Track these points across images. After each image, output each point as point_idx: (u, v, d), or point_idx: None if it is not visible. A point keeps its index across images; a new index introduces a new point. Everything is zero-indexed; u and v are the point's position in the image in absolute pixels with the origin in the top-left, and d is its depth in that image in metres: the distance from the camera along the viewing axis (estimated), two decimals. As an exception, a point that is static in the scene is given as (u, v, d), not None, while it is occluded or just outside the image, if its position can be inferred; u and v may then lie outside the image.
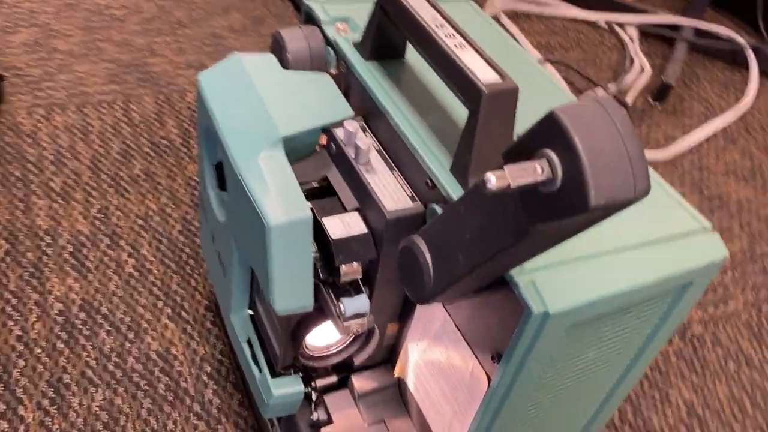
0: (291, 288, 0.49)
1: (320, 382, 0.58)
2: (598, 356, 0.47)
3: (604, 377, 0.52)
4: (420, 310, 0.52)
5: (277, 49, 0.57)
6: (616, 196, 0.28)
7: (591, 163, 0.27)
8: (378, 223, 0.48)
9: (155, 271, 0.82)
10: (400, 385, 0.57)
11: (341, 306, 0.48)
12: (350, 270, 0.48)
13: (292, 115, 0.52)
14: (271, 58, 0.57)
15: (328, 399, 0.57)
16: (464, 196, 0.37)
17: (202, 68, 1.12)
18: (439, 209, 0.44)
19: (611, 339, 0.47)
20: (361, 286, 0.50)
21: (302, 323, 0.52)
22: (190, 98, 1.06)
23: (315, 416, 0.58)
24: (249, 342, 0.59)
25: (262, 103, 0.52)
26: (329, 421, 0.56)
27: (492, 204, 0.34)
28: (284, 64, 0.56)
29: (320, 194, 0.51)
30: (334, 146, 0.52)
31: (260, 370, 0.57)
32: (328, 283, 0.50)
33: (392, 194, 0.48)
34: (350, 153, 0.50)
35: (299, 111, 0.52)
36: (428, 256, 0.40)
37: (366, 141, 0.49)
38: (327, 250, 0.48)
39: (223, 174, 0.57)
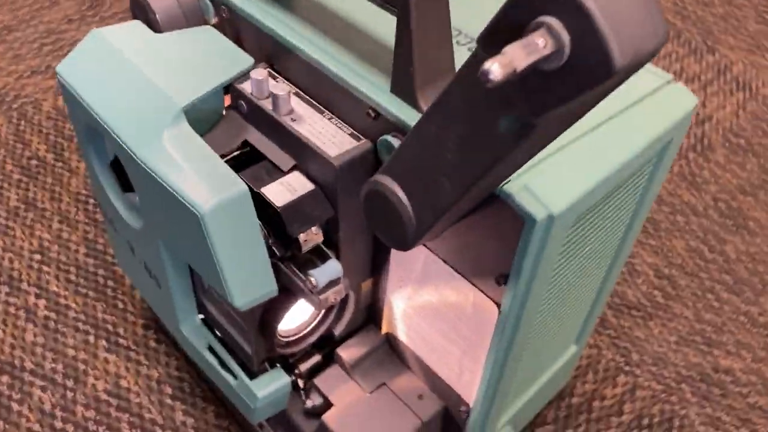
0: (247, 277, 0.42)
1: (304, 366, 0.52)
2: (596, 242, 0.44)
3: (600, 263, 0.49)
4: (396, 257, 0.46)
5: (141, 14, 0.48)
6: (641, 48, 0.23)
7: (604, 16, 0.22)
8: (325, 175, 0.41)
9: (73, 305, 0.73)
10: (390, 342, 0.52)
11: (312, 279, 0.42)
12: (310, 237, 0.42)
13: (184, 81, 0.44)
14: (138, 25, 0.48)
15: (319, 381, 0.51)
16: (432, 110, 0.31)
17: (49, 71, 0.99)
18: (394, 140, 0.38)
19: (609, 220, 0.43)
20: (326, 251, 0.43)
21: (269, 312, 0.45)
22: (48, 106, 0.93)
23: (309, 403, 0.52)
24: (211, 350, 0.52)
25: (145, 77, 0.43)
26: (327, 404, 0.51)
27: (479, 105, 0.28)
28: (154, 28, 0.48)
29: (246, 163, 0.44)
30: (244, 104, 0.44)
31: (235, 377, 0.50)
32: (288, 259, 0.43)
33: (332, 139, 0.41)
34: (267, 106, 0.43)
35: (190, 75, 0.44)
36: (402, 195, 0.35)
37: (282, 87, 0.42)
38: (276, 222, 0.41)
39: (123, 173, 0.48)
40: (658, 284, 0.80)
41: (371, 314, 0.52)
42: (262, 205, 0.41)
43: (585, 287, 0.49)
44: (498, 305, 0.40)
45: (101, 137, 0.48)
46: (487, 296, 0.40)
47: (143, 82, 0.43)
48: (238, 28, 0.47)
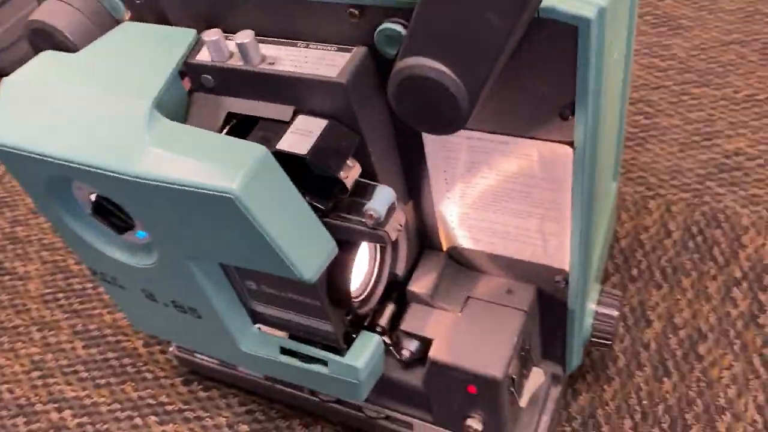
0: (305, 244, 0.37)
1: (383, 321, 0.48)
2: (618, 50, 0.42)
3: (620, 79, 0.47)
4: (434, 164, 0.42)
5: (46, 43, 0.42)
6: None
7: None
8: (334, 101, 0.37)
9: (102, 400, 0.66)
10: (454, 257, 0.49)
11: (371, 213, 0.38)
12: (350, 172, 0.38)
13: (136, 81, 0.38)
14: (48, 55, 0.42)
15: (406, 326, 0.47)
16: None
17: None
18: (396, 25, 0.34)
19: (620, 26, 0.41)
20: (368, 182, 0.39)
21: (335, 276, 0.41)
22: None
23: (406, 353, 0.48)
24: (285, 351, 0.47)
25: (93, 96, 0.38)
26: (425, 343, 0.47)
27: None
28: (69, 49, 0.42)
29: (241, 134, 0.39)
30: (209, 77, 0.39)
31: (325, 363, 0.46)
32: (332, 211, 0.39)
33: (322, 62, 0.37)
34: (236, 63, 0.38)
35: (139, 74, 0.39)
36: (441, 66, 0.31)
37: (243, 35, 0.38)
38: (308, 174, 0.37)
39: (110, 214, 0.43)
40: (635, 110, 0.80)
41: (423, 240, 0.49)
42: (286, 164, 0.37)
43: (617, 107, 0.47)
44: (569, 143, 0.37)
45: (68, 188, 0.42)
46: (555, 141, 0.37)
47: (95, 103, 0.38)
48: (159, 9, 0.42)
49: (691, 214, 0.69)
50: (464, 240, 0.47)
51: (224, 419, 0.62)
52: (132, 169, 0.36)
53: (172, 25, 0.42)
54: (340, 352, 0.46)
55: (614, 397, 0.58)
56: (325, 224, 0.38)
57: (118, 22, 0.43)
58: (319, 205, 0.38)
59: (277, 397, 0.61)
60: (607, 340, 0.52)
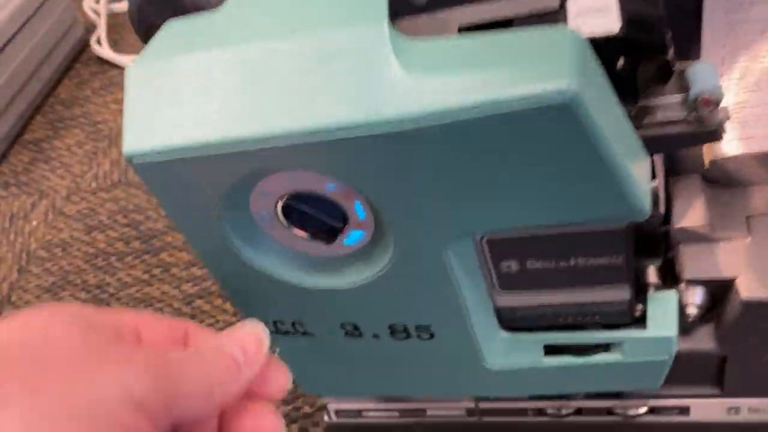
0: (634, 164, 0.27)
1: (651, 279, 0.37)
2: None
3: None
4: (711, 38, 0.32)
5: (169, 8, 0.31)
6: None
7: None
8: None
9: None
10: (710, 175, 0.39)
11: (707, 94, 0.27)
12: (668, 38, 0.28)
13: (334, 9, 0.27)
14: (180, 23, 0.30)
15: (690, 275, 0.37)
16: None
17: None
18: None
19: None
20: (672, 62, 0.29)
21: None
22: None
23: (693, 310, 0.37)
24: (554, 348, 0.35)
25: (281, 47, 0.27)
26: (721, 287, 0.36)
27: None
28: (207, 5, 0.30)
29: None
30: (420, -12, 0.29)
31: (616, 347, 0.35)
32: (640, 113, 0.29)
33: None
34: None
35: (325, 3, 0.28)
36: None
37: None
38: (626, 58, 0.27)
39: (312, 222, 0.31)
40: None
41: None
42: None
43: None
44: None
45: (247, 203, 0.30)
46: None
47: (290, 52, 0.26)
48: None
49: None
50: (733, 145, 0.37)
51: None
52: (393, 111, 0.24)
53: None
54: (631, 325, 0.35)
55: None
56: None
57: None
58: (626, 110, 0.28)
59: (484, 434, 0.49)
60: None
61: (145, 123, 0.28)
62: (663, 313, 0.34)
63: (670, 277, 0.38)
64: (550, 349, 0.36)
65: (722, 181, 0.39)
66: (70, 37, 1.07)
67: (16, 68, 0.96)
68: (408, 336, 0.35)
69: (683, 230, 0.37)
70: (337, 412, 0.49)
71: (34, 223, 0.83)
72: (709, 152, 0.38)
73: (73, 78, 1.07)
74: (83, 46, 1.10)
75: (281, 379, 0.29)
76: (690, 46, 0.33)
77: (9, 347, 0.22)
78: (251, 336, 0.27)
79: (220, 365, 0.26)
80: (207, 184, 0.28)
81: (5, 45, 0.94)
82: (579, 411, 0.44)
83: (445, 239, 0.29)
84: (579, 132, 0.24)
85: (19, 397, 0.20)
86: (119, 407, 0.22)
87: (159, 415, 0.23)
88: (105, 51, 1.05)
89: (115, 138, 0.93)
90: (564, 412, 0.45)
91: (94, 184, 0.86)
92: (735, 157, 0.38)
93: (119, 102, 0.99)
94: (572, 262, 0.32)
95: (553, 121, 0.24)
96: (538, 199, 0.26)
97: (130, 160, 0.28)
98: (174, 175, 0.28)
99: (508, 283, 0.34)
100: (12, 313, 0.23)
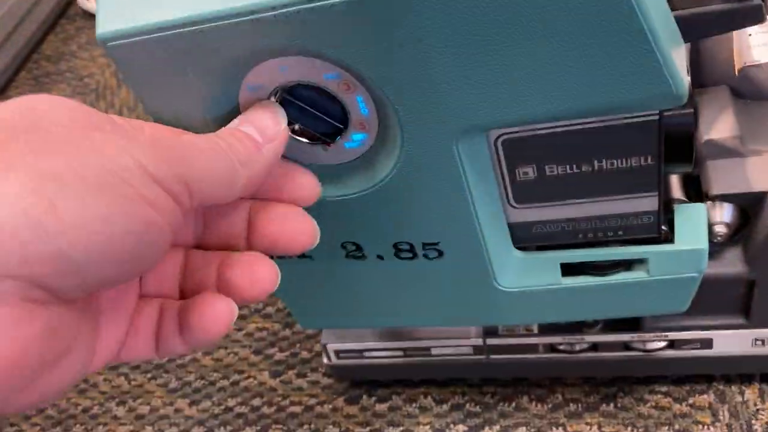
0: (672, 43, 0.24)
1: (676, 194, 0.35)
2: None
3: None
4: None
5: None
6: None
7: None
8: None
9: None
10: (739, 87, 0.36)
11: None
12: None
13: None
14: None
15: (719, 191, 0.34)
16: None
17: None
18: None
19: None
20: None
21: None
22: None
23: (721, 229, 0.34)
24: (572, 268, 0.33)
25: None
26: (752, 204, 0.34)
27: None
28: None
29: None
30: None
31: (641, 263, 0.32)
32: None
33: None
34: None
35: None
36: None
37: None
38: None
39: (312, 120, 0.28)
40: None
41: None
42: None
43: None
44: None
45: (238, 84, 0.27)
46: None
47: None
48: None
49: None
50: (765, 51, 0.34)
51: (426, 427, 0.47)
52: None
53: None
54: (652, 241, 0.32)
55: None
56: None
57: None
58: (661, -16, 0.25)
59: (490, 375, 0.46)
60: None
61: (119, 2, 0.25)
62: (692, 224, 0.31)
63: (696, 195, 0.36)
64: (569, 269, 0.33)
65: (752, 94, 0.36)
66: (53, -12, 1.03)
67: (-2, 22, 0.92)
68: (414, 256, 0.32)
69: (711, 142, 0.34)
70: (338, 353, 0.46)
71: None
72: (739, 60, 0.35)
73: (59, 34, 1.03)
74: (69, 2, 1.06)
75: (308, 182, 0.27)
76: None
77: (8, 119, 0.20)
78: (266, 113, 0.25)
79: (237, 145, 0.24)
80: (190, 71, 0.25)
81: (-14, -2, 0.90)
82: (594, 347, 0.42)
83: (456, 135, 0.26)
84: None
85: (23, 159, 0.18)
86: (133, 177, 0.20)
87: (179, 192, 0.21)
88: (92, 4, 1.01)
89: (102, 91, 0.89)
90: (578, 348, 0.42)
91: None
92: (765, 66, 0.35)
93: (107, 56, 0.96)
94: (597, 165, 0.29)
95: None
96: (563, 78, 0.24)
97: (104, 43, 0.25)
98: (153, 60, 0.25)
99: (524, 194, 0.31)
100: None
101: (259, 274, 0.25)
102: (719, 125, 0.34)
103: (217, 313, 0.25)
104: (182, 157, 0.22)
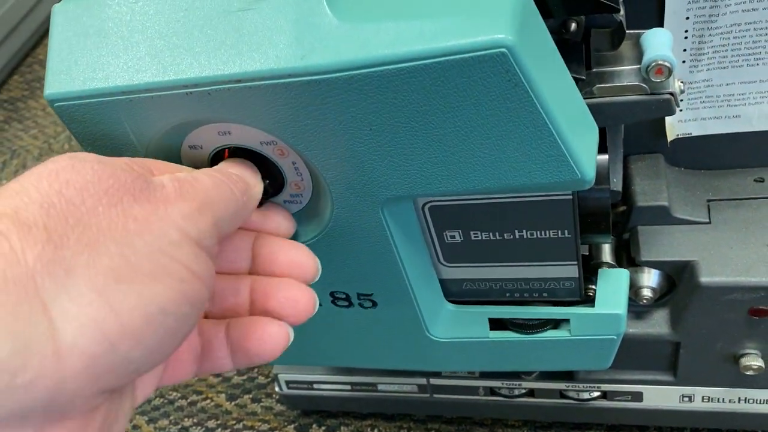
0: (579, 129, 0.25)
1: (606, 258, 0.36)
2: None
3: None
4: (672, 10, 0.31)
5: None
6: None
7: None
8: None
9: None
10: (671, 155, 0.38)
11: (660, 61, 0.26)
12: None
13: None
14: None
15: (646, 257, 0.35)
16: None
17: None
18: None
19: None
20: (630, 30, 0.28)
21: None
22: None
23: (648, 293, 0.36)
24: (499, 323, 0.34)
25: None
26: (677, 271, 0.35)
27: None
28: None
29: None
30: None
31: (563, 324, 0.34)
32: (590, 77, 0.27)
33: None
34: None
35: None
36: None
37: None
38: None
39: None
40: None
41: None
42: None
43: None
44: None
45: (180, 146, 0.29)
46: None
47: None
48: None
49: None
50: (697, 124, 0.36)
51: (370, 454, 0.48)
52: (320, 58, 0.23)
53: None
54: (578, 303, 0.33)
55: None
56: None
57: None
58: (578, 76, 0.27)
59: (433, 413, 0.48)
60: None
61: (68, 65, 0.26)
62: (612, 289, 0.33)
63: (626, 259, 0.37)
64: (497, 324, 0.35)
65: (685, 163, 0.38)
66: (51, -4, 1.05)
67: (-6, 26, 0.94)
68: (350, 304, 0.34)
69: (641, 210, 0.36)
70: (288, 383, 0.48)
71: (4, 182, 0.81)
72: (671, 131, 0.37)
73: (55, 39, 1.05)
74: (67, 7, 1.08)
75: (285, 219, 0.29)
76: (651, 17, 0.31)
77: (47, 202, 0.19)
78: (242, 165, 0.27)
79: (232, 177, 0.25)
80: (132, 132, 0.27)
81: (-17, 3, 0.92)
82: (531, 392, 0.43)
83: (381, 201, 0.28)
84: (514, 86, 0.23)
85: (79, 258, 0.18)
86: (181, 252, 0.20)
87: (213, 245, 0.22)
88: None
89: (92, 101, 0.91)
90: (516, 392, 0.44)
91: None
92: (697, 137, 0.37)
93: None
94: (518, 234, 0.30)
95: (488, 75, 0.22)
96: (474, 160, 0.25)
97: (51, 103, 0.27)
98: (97, 120, 0.27)
99: (453, 254, 0.32)
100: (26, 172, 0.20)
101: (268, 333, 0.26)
102: (650, 193, 0.36)
103: (273, 338, 0.25)
104: (206, 202, 0.22)
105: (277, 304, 0.26)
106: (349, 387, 0.47)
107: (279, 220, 0.29)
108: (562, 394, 0.43)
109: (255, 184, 0.26)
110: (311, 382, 0.47)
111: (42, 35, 1.04)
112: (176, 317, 0.20)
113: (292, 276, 0.27)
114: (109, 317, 0.18)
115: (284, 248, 0.27)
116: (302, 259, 0.27)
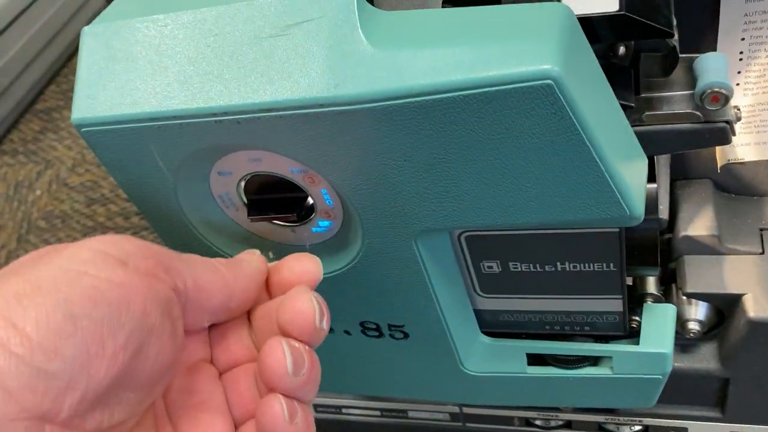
0: (628, 163, 0.24)
1: (650, 289, 0.34)
2: None
3: None
4: (726, 29, 0.29)
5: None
6: None
7: None
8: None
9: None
10: (722, 181, 0.36)
11: (717, 89, 0.24)
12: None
13: None
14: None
15: (692, 289, 0.34)
16: None
17: None
18: None
19: None
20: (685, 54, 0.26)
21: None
22: None
23: (695, 326, 0.34)
24: (539, 359, 0.33)
25: (237, 15, 0.24)
26: (726, 304, 0.33)
27: None
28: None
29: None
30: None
31: (605, 360, 0.32)
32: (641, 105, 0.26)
33: None
34: None
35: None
36: None
37: None
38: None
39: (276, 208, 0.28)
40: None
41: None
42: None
43: None
44: None
45: (208, 178, 0.28)
46: None
47: (244, 22, 0.24)
48: None
49: None
50: (750, 150, 0.34)
51: (399, 487, 0.47)
52: (354, 87, 0.22)
53: None
54: (623, 338, 0.32)
55: None
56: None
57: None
58: (626, 103, 0.25)
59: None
60: None
61: (96, 90, 0.26)
62: (658, 327, 0.31)
63: (673, 290, 0.35)
64: (535, 359, 0.33)
65: (735, 189, 0.36)
66: (88, 7, 1.06)
67: (32, 36, 0.95)
68: (381, 335, 0.33)
69: (688, 239, 0.34)
70: (316, 407, 0.47)
71: (38, 192, 0.82)
72: (722, 156, 0.35)
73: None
74: (103, 18, 1.09)
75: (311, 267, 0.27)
76: (704, 38, 0.30)
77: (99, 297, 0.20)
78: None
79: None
80: (160, 158, 0.26)
81: (21, 13, 0.93)
82: (569, 424, 0.42)
83: (415, 233, 0.26)
84: (560, 119, 0.21)
85: None
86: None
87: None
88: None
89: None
90: (552, 424, 0.42)
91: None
92: (751, 163, 0.35)
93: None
94: (560, 266, 0.29)
95: (533, 107, 0.21)
96: (514, 195, 0.24)
97: (78, 128, 0.26)
98: (124, 146, 0.26)
99: (489, 285, 0.31)
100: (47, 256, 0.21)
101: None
102: (698, 221, 0.34)
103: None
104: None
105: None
106: (378, 413, 0.46)
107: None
108: (600, 428, 0.41)
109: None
110: (339, 407, 0.46)
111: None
112: (92, 320, 0.19)
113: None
114: (11, 332, 0.18)
115: None
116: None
